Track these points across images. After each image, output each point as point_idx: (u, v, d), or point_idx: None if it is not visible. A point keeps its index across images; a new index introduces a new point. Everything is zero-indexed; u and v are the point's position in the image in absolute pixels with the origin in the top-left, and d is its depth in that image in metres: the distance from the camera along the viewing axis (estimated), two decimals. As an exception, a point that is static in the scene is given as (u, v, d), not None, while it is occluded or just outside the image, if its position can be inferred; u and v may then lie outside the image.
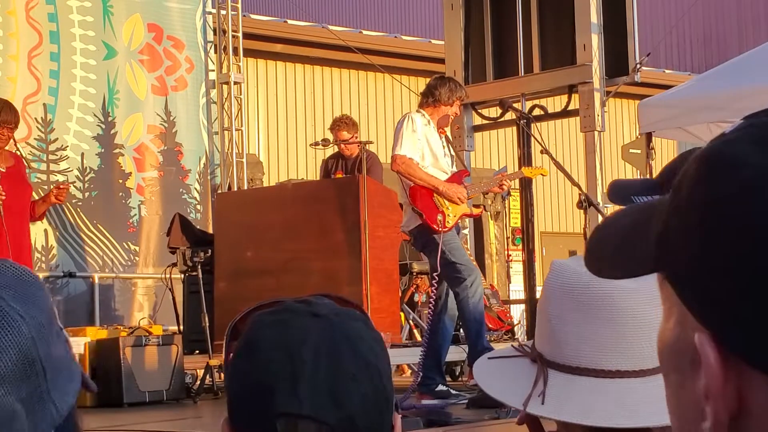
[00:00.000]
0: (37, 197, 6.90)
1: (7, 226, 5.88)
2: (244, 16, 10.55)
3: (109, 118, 9.32)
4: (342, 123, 7.90)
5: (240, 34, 10.24)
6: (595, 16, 7.70)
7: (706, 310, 0.59)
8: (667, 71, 15.06)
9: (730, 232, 0.57)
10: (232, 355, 1.05)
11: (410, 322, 8.34)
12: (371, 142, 7.66)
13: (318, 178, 9.88)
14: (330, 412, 0.99)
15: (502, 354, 1.28)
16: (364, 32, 13.05)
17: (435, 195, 5.93)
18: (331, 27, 11.99)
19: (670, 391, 0.63)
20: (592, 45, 7.67)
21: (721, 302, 0.58)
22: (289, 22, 12.29)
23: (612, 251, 0.67)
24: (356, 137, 7.80)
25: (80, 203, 9.09)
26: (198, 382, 6.80)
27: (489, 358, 1.29)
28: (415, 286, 8.58)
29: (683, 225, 0.60)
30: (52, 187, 7.59)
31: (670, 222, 0.61)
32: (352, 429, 1.00)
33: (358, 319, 1.06)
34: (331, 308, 1.06)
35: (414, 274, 8.29)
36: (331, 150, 8.41)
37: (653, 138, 8.02)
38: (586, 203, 6.08)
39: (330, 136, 7.90)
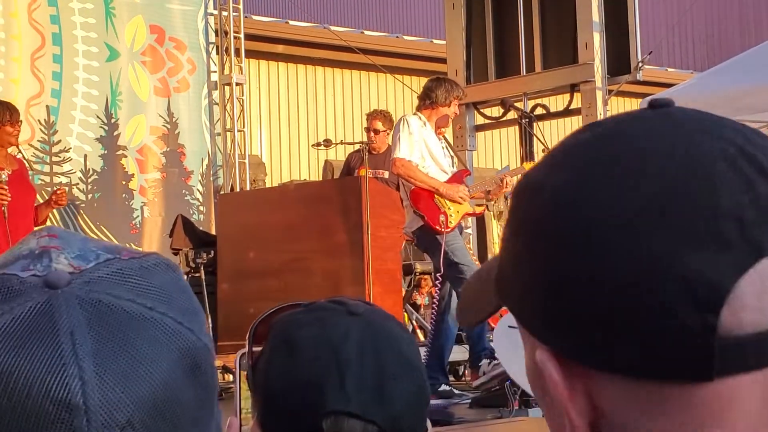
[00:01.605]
0: (41, 200, 6.91)
1: (10, 228, 5.89)
2: (246, 17, 10.56)
3: (112, 120, 9.34)
4: (379, 113, 7.89)
5: (242, 35, 10.25)
6: (596, 15, 7.70)
7: (535, 325, 0.63)
8: (669, 69, 15.05)
9: (533, 245, 0.62)
10: (267, 355, 1.03)
11: (413, 322, 8.34)
12: (372, 143, 7.66)
13: (320, 179, 9.89)
14: (376, 410, 0.98)
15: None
16: (366, 32, 13.06)
17: (436, 196, 5.94)
18: (332, 27, 12.00)
19: (546, 415, 0.66)
20: (594, 44, 7.67)
21: (541, 313, 0.62)
22: (291, 22, 12.30)
23: (468, 304, 0.73)
24: (387, 135, 7.76)
25: (83, 205, 9.10)
26: (202, 383, 6.81)
27: (510, 326, 1.27)
28: (418, 286, 8.58)
29: (506, 254, 0.65)
30: (55, 188, 7.61)
31: (501, 255, 0.66)
32: (395, 427, 0.99)
33: (392, 319, 1.06)
34: (365, 307, 1.05)
35: (417, 274, 8.29)
36: (333, 151, 8.41)
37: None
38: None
39: (338, 136, 7.90)
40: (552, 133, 12.50)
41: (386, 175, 7.43)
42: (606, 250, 0.59)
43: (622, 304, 0.58)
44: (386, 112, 8.09)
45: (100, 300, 0.67)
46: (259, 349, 1.06)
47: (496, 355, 1.26)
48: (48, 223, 8.28)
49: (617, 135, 0.63)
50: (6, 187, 5.88)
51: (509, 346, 1.27)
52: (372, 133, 7.68)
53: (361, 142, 7.54)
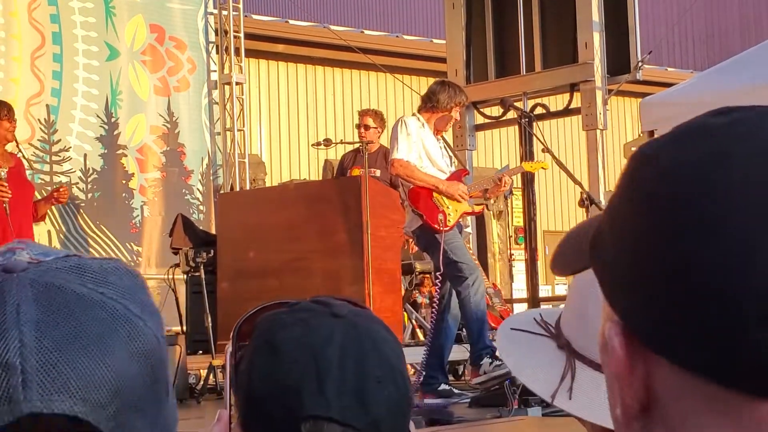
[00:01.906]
0: (40, 197, 6.92)
1: (13, 224, 5.91)
2: (246, 16, 10.56)
3: (112, 119, 9.34)
4: (370, 110, 7.97)
5: (242, 35, 10.25)
6: (596, 14, 7.70)
7: (615, 297, 0.61)
8: (669, 69, 15.05)
9: (634, 220, 0.60)
10: (249, 355, 1.02)
11: (413, 321, 8.34)
12: (371, 142, 7.66)
13: (320, 178, 9.89)
14: (356, 415, 0.97)
15: (525, 327, 1.24)
16: (366, 32, 13.06)
17: (435, 195, 5.94)
18: (332, 27, 12.00)
19: (606, 385, 0.65)
20: (594, 43, 7.67)
21: (625, 288, 0.60)
22: (291, 22, 12.30)
23: (564, 251, 0.71)
24: (379, 132, 7.80)
25: (83, 204, 9.10)
26: (201, 383, 6.81)
27: (512, 329, 1.25)
28: (417, 285, 8.58)
29: (608, 217, 0.63)
30: (56, 187, 7.62)
31: (603, 218, 0.65)
32: None
33: (377, 321, 1.04)
34: (350, 309, 1.04)
35: (417, 273, 8.29)
36: (333, 151, 8.42)
37: (656, 136, 8.01)
38: (588, 202, 6.08)
39: (338, 135, 7.92)
40: (551, 133, 12.50)
41: (378, 173, 7.46)
42: (722, 243, 0.56)
43: (714, 304, 0.56)
44: (378, 110, 8.14)
45: (53, 282, 0.71)
46: (244, 347, 1.05)
47: (498, 355, 1.24)
48: (47, 222, 8.30)
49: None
50: (6, 184, 5.90)
51: (512, 347, 1.26)
52: (362, 129, 7.72)
53: (360, 142, 7.55)
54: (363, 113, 7.96)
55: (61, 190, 6.38)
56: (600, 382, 1.17)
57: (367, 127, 7.71)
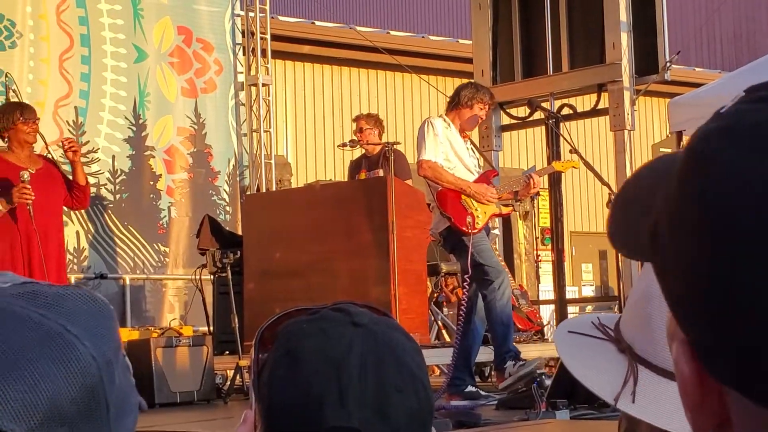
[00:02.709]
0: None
1: (37, 226, 5.91)
2: (272, 17, 10.59)
3: (140, 121, 9.39)
4: (364, 114, 8.15)
5: (268, 36, 10.28)
6: (624, 15, 7.66)
7: (678, 312, 0.57)
8: (697, 69, 14.95)
9: (696, 229, 0.54)
10: (270, 365, 1.02)
11: (438, 322, 8.33)
12: (398, 143, 7.67)
13: (346, 179, 9.90)
14: (378, 426, 0.97)
15: (584, 330, 1.23)
16: (392, 33, 13.06)
17: (463, 197, 5.93)
18: (358, 28, 12.01)
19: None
20: (622, 43, 7.63)
21: (686, 305, 0.55)
22: (317, 23, 12.32)
23: (621, 228, 0.65)
24: (374, 133, 7.89)
25: (111, 205, 9.16)
26: (228, 383, 6.83)
27: (570, 331, 1.25)
28: (443, 287, 8.57)
29: (666, 219, 0.57)
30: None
31: (659, 215, 0.59)
32: None
33: (397, 329, 1.04)
34: (370, 317, 1.03)
35: (443, 275, 8.28)
36: (359, 151, 8.44)
37: (684, 136, 7.96)
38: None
39: (356, 138, 7.97)
40: (579, 133, 12.45)
41: (381, 173, 7.54)
42: None
43: None
44: (371, 113, 8.38)
45: None
46: (266, 355, 1.05)
47: (561, 359, 1.23)
48: (76, 223, 8.34)
49: None
50: (29, 187, 5.88)
51: (571, 351, 1.26)
52: (358, 133, 7.86)
53: (387, 143, 7.55)
54: (355, 118, 8.17)
55: (66, 140, 6.29)
56: (664, 386, 1.16)
57: (361, 130, 7.84)
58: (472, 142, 6.28)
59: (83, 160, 9.04)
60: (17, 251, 5.95)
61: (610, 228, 0.68)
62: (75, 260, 8.85)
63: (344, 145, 7.70)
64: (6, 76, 7.87)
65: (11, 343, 0.73)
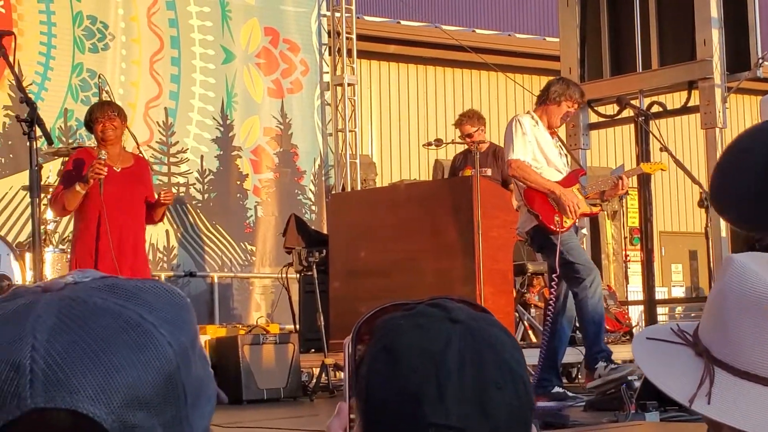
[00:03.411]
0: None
1: (110, 223, 5.83)
2: (358, 18, 10.63)
3: (228, 121, 9.52)
4: (464, 117, 7.89)
5: (354, 36, 10.32)
6: (715, 11, 7.50)
7: None
8: (792, 65, 14.55)
9: None
10: (368, 361, 1.01)
11: (525, 323, 8.26)
12: (483, 142, 7.62)
13: (430, 179, 9.88)
14: (477, 423, 0.95)
15: (662, 336, 1.24)
16: (478, 31, 13.00)
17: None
18: (444, 27, 11.99)
19: None
20: (713, 40, 7.47)
21: None
22: (402, 22, 12.33)
23: (731, 204, 0.63)
24: (483, 130, 7.76)
25: (199, 204, 9.31)
26: (314, 380, 6.88)
27: (648, 338, 1.26)
28: (530, 286, 8.50)
29: None
30: (172, 189, 7.73)
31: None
32: None
33: (495, 325, 1.02)
34: (468, 313, 1.02)
35: (529, 274, 8.21)
36: (444, 151, 8.41)
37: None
38: (708, 202, 5.91)
39: (449, 135, 7.91)
40: (669, 132, 12.22)
41: (489, 172, 7.43)
42: None
43: None
44: (469, 111, 8.09)
45: (79, 296, 0.80)
46: (362, 350, 1.05)
47: (637, 362, 1.23)
48: (165, 222, 8.47)
49: None
50: (102, 162, 5.77)
51: (648, 355, 1.26)
52: (466, 138, 7.67)
53: (471, 142, 7.50)
54: (456, 124, 7.89)
55: (164, 191, 6.27)
56: (740, 388, 1.14)
57: (470, 135, 7.66)
58: (560, 139, 6.20)
59: (172, 160, 9.21)
60: (90, 248, 5.91)
61: (714, 180, 0.65)
62: (165, 258, 9.01)
63: (429, 144, 7.68)
64: (99, 77, 8.03)
65: (92, 332, 0.77)
